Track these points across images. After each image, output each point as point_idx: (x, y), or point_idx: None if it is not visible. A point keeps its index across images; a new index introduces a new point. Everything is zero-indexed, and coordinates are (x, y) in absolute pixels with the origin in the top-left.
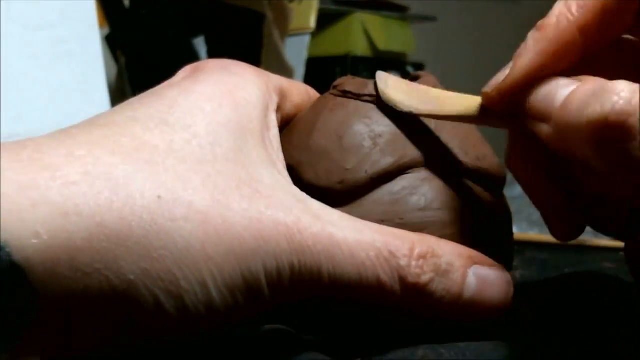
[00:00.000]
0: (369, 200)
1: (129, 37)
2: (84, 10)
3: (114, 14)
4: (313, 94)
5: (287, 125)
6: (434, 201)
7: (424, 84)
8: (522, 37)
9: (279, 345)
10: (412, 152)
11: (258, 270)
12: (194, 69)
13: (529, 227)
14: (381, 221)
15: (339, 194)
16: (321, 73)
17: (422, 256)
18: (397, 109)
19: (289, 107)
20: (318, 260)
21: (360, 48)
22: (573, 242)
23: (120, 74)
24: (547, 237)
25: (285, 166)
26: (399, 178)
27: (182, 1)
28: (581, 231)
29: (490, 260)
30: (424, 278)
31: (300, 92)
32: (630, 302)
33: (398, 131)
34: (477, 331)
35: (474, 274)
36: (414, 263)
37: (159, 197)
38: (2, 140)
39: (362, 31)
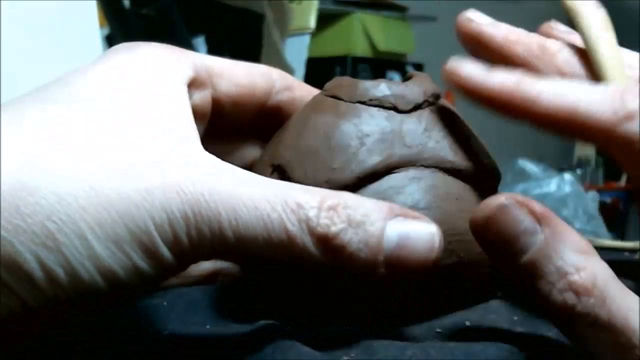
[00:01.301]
0: None
1: (129, 37)
2: (84, 10)
3: (114, 14)
4: (278, 75)
5: (224, 103)
6: (420, 201)
7: (418, 83)
8: None
9: (268, 341)
10: (400, 152)
11: (146, 223)
12: (102, 54)
13: None
14: None
15: None
16: (321, 73)
17: (332, 207)
18: None
19: (226, 86)
20: (216, 212)
21: (360, 48)
22: None
23: None
24: None
25: (198, 136)
26: (386, 177)
27: (182, 1)
28: None
29: (415, 213)
30: (334, 228)
31: (250, 75)
32: None
33: (387, 130)
34: (466, 330)
35: (394, 226)
36: (323, 214)
37: (29, 154)
38: None
39: (362, 31)
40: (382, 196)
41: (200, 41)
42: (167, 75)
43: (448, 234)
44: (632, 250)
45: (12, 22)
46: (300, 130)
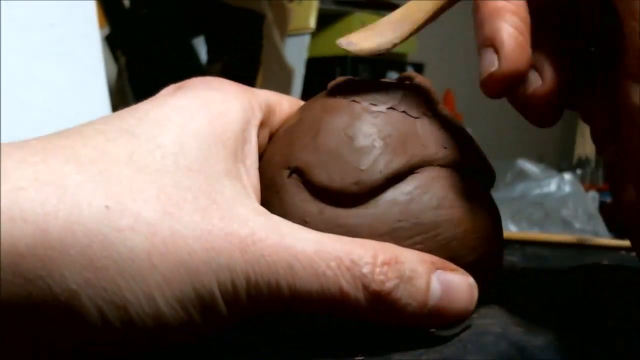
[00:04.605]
0: (385, 200)
1: (129, 37)
2: (84, 10)
3: (114, 14)
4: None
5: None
6: (444, 199)
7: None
8: None
9: (276, 344)
10: (420, 152)
11: (211, 282)
12: (177, 87)
13: (529, 227)
14: (398, 221)
15: (354, 195)
16: (321, 73)
17: (386, 263)
18: (380, 52)
19: (277, 122)
20: (275, 271)
21: None
22: (574, 240)
23: (120, 74)
24: (548, 235)
25: (252, 182)
26: (410, 177)
27: (182, 1)
28: (557, 118)
29: (453, 265)
30: (389, 285)
31: (291, 105)
32: (628, 297)
33: (404, 131)
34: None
35: (437, 279)
36: (377, 270)
37: (107, 207)
38: (2, 141)
39: None
40: (410, 196)
41: (200, 41)
42: (244, 120)
43: (471, 231)
44: (631, 249)
45: (12, 22)
46: (315, 131)
